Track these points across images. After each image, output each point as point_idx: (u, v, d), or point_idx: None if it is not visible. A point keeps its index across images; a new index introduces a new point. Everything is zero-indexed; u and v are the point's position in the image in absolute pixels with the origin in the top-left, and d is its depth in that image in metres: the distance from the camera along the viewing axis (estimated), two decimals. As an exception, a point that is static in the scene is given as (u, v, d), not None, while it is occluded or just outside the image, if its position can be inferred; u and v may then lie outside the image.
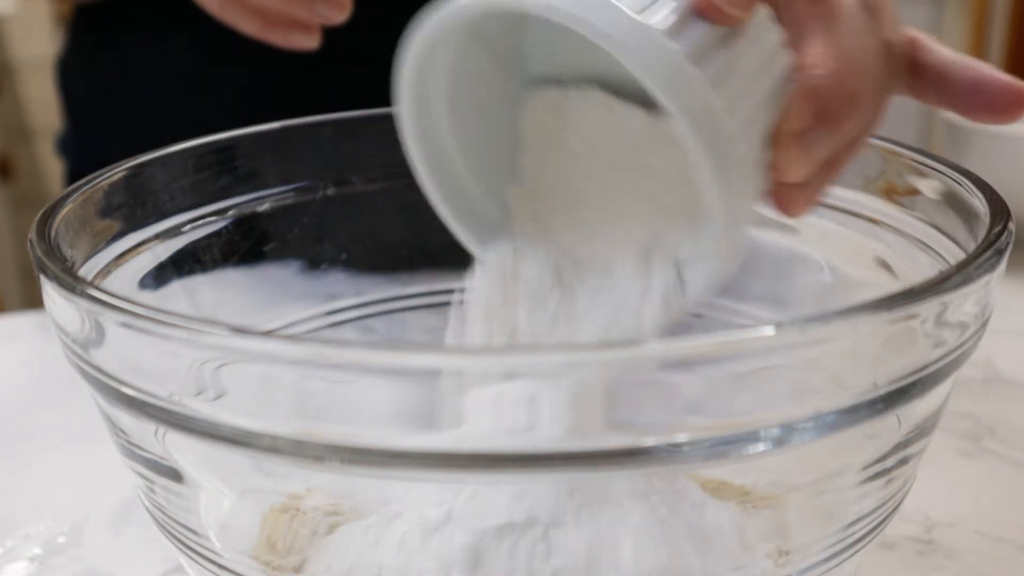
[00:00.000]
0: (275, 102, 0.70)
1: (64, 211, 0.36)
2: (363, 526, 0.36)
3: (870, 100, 0.34)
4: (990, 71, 0.37)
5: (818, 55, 0.33)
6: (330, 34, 0.57)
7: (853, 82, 0.33)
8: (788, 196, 0.34)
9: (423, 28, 0.34)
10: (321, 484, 0.38)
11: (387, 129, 0.46)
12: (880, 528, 0.35)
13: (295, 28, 0.56)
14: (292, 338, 0.29)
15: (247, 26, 0.56)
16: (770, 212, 0.44)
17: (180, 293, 0.43)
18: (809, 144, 0.33)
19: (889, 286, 0.40)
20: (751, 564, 0.35)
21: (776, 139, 0.33)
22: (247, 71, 0.70)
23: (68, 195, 0.37)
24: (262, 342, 0.29)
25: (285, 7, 0.54)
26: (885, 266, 0.40)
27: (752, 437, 0.29)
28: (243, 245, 0.45)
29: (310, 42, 0.57)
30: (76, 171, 0.81)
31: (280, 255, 0.47)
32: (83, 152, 0.81)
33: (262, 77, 0.70)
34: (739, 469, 0.39)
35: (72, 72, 0.81)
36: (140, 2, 0.73)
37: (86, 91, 0.80)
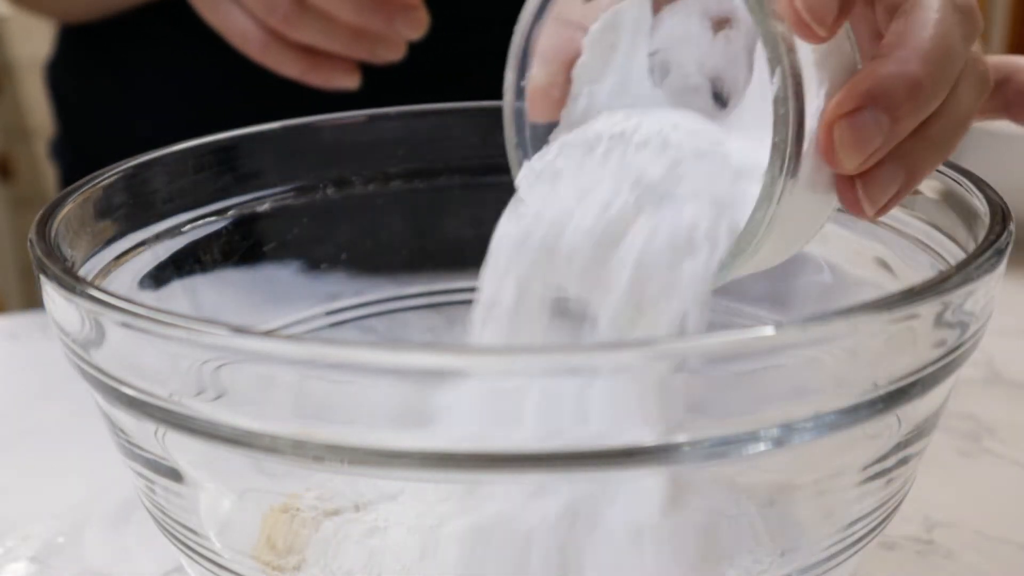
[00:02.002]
0: (273, 105, 0.70)
1: (64, 211, 0.36)
2: (363, 526, 0.36)
3: (944, 94, 0.32)
4: None
5: (890, 39, 0.31)
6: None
7: (919, 69, 0.31)
8: (854, 192, 0.32)
9: None
10: (321, 484, 0.38)
11: (388, 129, 0.47)
12: (880, 528, 0.35)
13: (337, 69, 0.56)
14: (292, 338, 0.29)
15: (289, 68, 0.56)
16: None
17: (180, 293, 0.43)
18: (859, 126, 0.31)
19: (889, 286, 0.40)
20: (751, 563, 0.35)
21: (825, 118, 0.31)
22: (242, 75, 0.70)
23: (68, 195, 0.37)
24: (262, 342, 0.29)
25: (362, 21, 0.54)
26: (885, 266, 0.40)
27: (752, 437, 0.29)
28: (243, 245, 0.45)
29: (351, 82, 0.57)
30: (69, 176, 0.81)
31: (280, 255, 0.47)
32: (76, 156, 0.81)
33: (258, 81, 0.70)
34: (739, 469, 0.39)
35: (63, 77, 0.81)
36: (130, 17, 0.73)
37: (77, 96, 0.80)
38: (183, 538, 0.35)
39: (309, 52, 0.56)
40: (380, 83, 0.59)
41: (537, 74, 0.38)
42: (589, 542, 0.34)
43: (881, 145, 0.31)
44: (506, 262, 0.35)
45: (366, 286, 0.48)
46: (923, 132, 0.32)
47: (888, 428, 0.33)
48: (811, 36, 0.31)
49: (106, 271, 0.39)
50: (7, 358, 0.61)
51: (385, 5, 0.54)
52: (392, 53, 0.56)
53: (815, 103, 0.32)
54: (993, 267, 0.31)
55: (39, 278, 0.33)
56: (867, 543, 0.35)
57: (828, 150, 0.31)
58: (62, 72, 0.81)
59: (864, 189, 0.32)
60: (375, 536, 0.35)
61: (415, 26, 0.55)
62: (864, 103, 0.31)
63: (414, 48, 0.56)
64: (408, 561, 0.34)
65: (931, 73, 0.31)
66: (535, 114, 0.38)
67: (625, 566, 0.34)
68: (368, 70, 0.58)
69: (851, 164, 0.31)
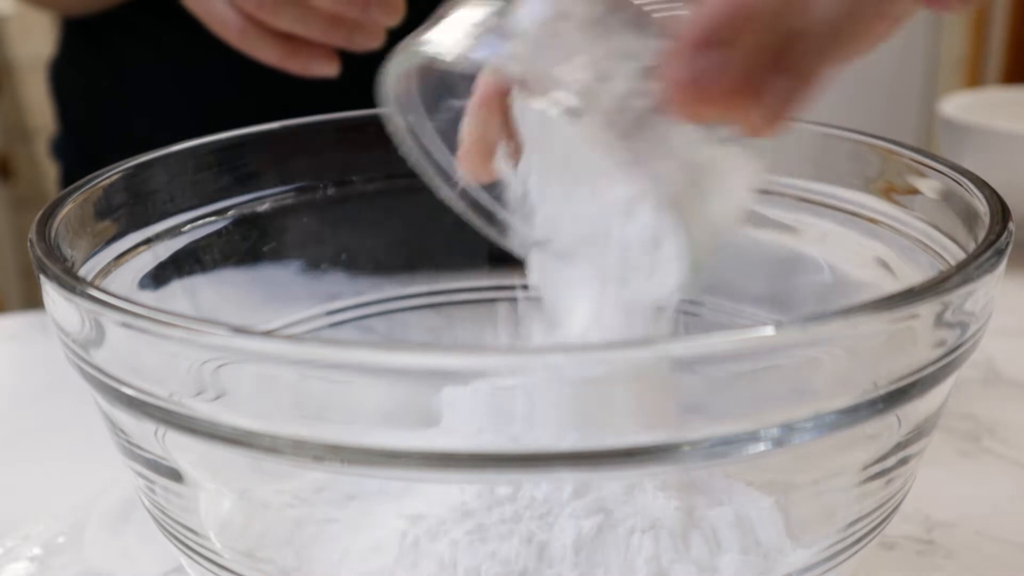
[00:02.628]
0: (273, 103, 0.70)
1: (64, 211, 0.36)
2: (364, 527, 0.36)
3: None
4: None
5: None
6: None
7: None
8: (742, 116, 0.29)
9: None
10: (321, 484, 0.38)
11: (388, 129, 0.46)
12: (880, 528, 0.35)
13: (315, 56, 0.56)
14: (292, 338, 0.29)
15: (267, 54, 0.56)
16: (769, 212, 0.44)
17: (180, 293, 0.43)
18: (700, 70, 0.28)
19: (889, 286, 0.40)
20: (752, 563, 0.35)
21: (667, 76, 0.29)
22: (243, 74, 0.70)
23: (68, 195, 0.37)
24: (262, 342, 0.29)
25: (337, 8, 0.54)
26: (885, 266, 0.40)
27: (752, 437, 0.29)
28: (243, 245, 0.45)
29: (330, 70, 0.57)
30: (70, 174, 0.81)
31: (280, 255, 0.47)
32: (77, 154, 0.81)
33: (260, 79, 0.70)
34: (739, 469, 0.39)
35: (65, 74, 0.81)
36: (131, 8, 0.73)
37: (79, 93, 0.80)
38: (183, 538, 0.35)
39: (287, 39, 0.56)
40: (362, 73, 0.59)
41: (471, 124, 0.36)
42: (577, 543, 0.34)
43: (739, 75, 0.28)
44: None
45: (366, 286, 0.48)
46: (797, 29, 0.29)
47: (888, 428, 0.33)
48: None
49: (106, 271, 0.39)
50: (7, 358, 0.61)
51: None
52: (370, 40, 0.56)
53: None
54: (993, 267, 0.31)
55: (39, 278, 0.33)
56: (867, 543, 0.35)
57: (669, 100, 0.29)
58: (64, 70, 0.81)
59: (751, 111, 0.29)
60: (376, 536, 0.35)
61: (391, 13, 0.55)
62: (705, 41, 0.28)
63: (395, 36, 0.56)
64: (409, 561, 0.34)
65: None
66: (473, 175, 0.37)
67: (624, 565, 0.34)
68: (350, 59, 0.58)
69: (709, 112, 0.29)
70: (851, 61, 0.31)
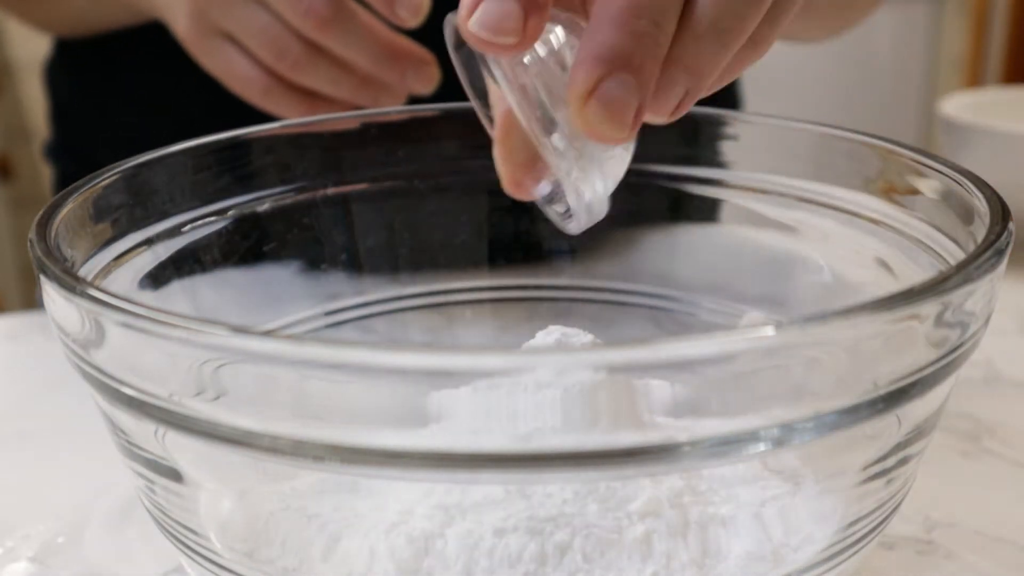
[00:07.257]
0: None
1: (64, 211, 0.36)
2: (364, 527, 0.36)
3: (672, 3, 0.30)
4: None
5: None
6: None
7: (629, 11, 0.30)
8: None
9: None
10: (321, 484, 0.38)
11: (387, 130, 0.47)
12: (880, 528, 0.35)
13: (336, 112, 0.55)
14: (292, 338, 0.29)
15: (290, 111, 0.54)
16: (769, 212, 0.44)
17: (180, 293, 0.43)
18: (608, 98, 0.30)
19: (889, 286, 0.40)
20: (752, 563, 0.35)
21: (572, 105, 0.30)
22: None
23: (68, 195, 0.37)
24: (262, 342, 0.29)
25: (375, 71, 0.53)
26: (885, 266, 0.40)
27: (752, 437, 0.29)
28: (243, 245, 0.45)
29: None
30: (65, 177, 0.81)
31: (280, 255, 0.47)
32: (72, 157, 0.81)
33: None
34: (740, 468, 0.39)
35: (59, 77, 0.81)
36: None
37: (74, 95, 0.79)
38: (183, 538, 0.35)
39: (310, 96, 0.54)
40: None
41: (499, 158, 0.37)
42: (579, 542, 0.34)
43: (640, 100, 0.30)
44: None
45: (366, 286, 0.48)
46: (686, 28, 0.31)
47: (888, 428, 0.33)
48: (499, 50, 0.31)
49: (106, 271, 0.39)
50: (7, 358, 0.61)
51: (400, 58, 0.53)
52: (394, 101, 0.55)
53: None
54: (993, 267, 0.31)
55: (39, 278, 0.33)
56: (867, 543, 0.35)
57: (591, 132, 0.30)
58: (58, 72, 0.81)
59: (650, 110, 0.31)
60: (376, 537, 0.35)
61: (427, 82, 0.54)
62: (602, 73, 0.30)
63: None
64: (409, 562, 0.34)
65: (642, 5, 0.30)
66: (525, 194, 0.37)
67: (624, 564, 0.34)
68: None
69: (621, 134, 0.30)
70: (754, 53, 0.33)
